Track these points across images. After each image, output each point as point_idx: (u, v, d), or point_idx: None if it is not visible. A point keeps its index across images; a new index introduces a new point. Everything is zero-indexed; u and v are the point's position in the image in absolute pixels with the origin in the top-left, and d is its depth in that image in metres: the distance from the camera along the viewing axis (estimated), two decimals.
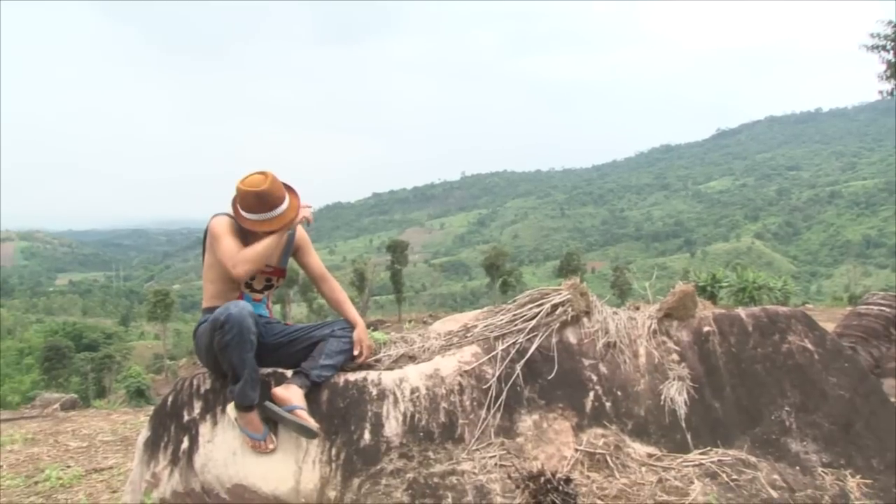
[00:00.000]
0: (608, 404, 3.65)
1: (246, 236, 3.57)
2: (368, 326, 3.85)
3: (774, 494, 3.29)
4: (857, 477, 3.49)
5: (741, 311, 4.01)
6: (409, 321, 13.45)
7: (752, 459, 3.48)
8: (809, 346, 3.88)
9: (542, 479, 3.12)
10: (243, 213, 3.53)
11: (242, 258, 3.43)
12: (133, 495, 3.69)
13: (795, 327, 3.94)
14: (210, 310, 3.58)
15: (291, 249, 3.81)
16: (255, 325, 3.36)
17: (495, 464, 3.34)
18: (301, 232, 3.81)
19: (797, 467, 3.52)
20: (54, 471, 5.12)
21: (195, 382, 3.70)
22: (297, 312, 68.74)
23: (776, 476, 3.40)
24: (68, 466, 5.36)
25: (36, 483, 4.91)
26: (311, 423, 3.37)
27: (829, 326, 4.36)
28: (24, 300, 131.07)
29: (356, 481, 3.31)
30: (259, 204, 3.49)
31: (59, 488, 4.78)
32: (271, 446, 3.43)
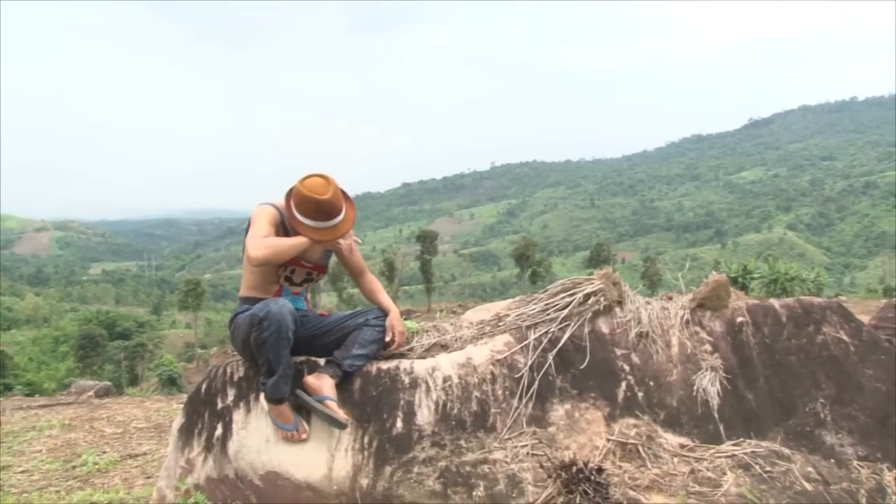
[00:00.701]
0: (640, 394, 3.63)
1: (287, 232, 3.52)
2: (400, 315, 3.84)
3: (809, 487, 3.25)
4: (895, 471, 3.44)
5: (775, 302, 3.96)
6: (440, 311, 13.46)
7: (786, 451, 3.44)
8: (845, 337, 3.82)
9: (574, 468, 3.12)
10: (297, 215, 3.44)
11: (264, 244, 3.35)
12: (168, 481, 3.74)
13: (831, 318, 3.88)
14: (247, 299, 3.59)
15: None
16: (294, 323, 3.34)
17: (527, 453, 3.34)
18: None
19: (832, 460, 3.47)
20: (91, 456, 5.22)
21: (229, 370, 3.74)
22: (327, 301, 69.08)
23: (810, 469, 3.36)
24: (104, 452, 5.47)
25: (73, 467, 5.01)
26: (341, 414, 3.38)
27: (864, 319, 4.30)
28: (59, 289, 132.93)
29: (388, 469, 3.33)
30: (317, 212, 3.42)
31: (95, 473, 4.88)
32: (304, 436, 3.44)
